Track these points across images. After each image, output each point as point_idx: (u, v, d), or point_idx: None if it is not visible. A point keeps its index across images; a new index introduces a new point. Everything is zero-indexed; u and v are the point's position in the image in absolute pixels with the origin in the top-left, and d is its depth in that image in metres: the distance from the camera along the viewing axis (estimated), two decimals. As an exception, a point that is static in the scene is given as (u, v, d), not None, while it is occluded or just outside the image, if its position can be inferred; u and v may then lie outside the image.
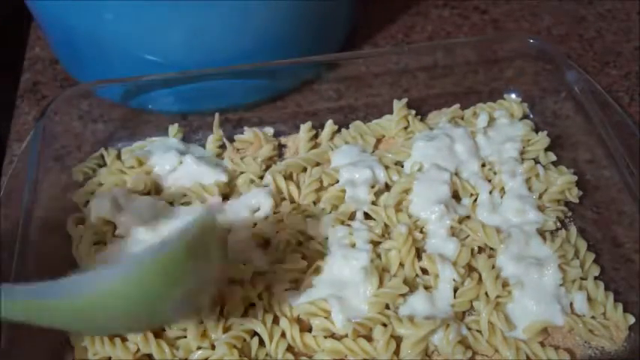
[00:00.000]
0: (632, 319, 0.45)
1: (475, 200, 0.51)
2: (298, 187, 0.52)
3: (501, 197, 0.52)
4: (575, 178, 0.52)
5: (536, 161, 0.54)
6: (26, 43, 0.69)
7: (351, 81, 0.60)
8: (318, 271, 0.47)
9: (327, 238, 0.48)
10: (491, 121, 0.57)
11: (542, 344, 0.44)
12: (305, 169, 0.54)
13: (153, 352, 0.43)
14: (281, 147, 0.58)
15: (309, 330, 0.45)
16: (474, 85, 0.60)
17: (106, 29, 0.52)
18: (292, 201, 0.52)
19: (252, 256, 0.48)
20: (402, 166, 0.54)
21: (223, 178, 0.52)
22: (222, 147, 0.56)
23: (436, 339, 0.44)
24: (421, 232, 0.49)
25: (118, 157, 0.55)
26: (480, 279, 0.47)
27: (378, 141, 0.57)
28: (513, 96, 0.60)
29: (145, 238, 0.47)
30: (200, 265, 0.36)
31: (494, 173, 0.53)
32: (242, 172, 0.54)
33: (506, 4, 0.74)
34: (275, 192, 0.51)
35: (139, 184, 0.51)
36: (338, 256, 0.46)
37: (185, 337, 0.43)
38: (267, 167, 0.54)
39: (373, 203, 0.51)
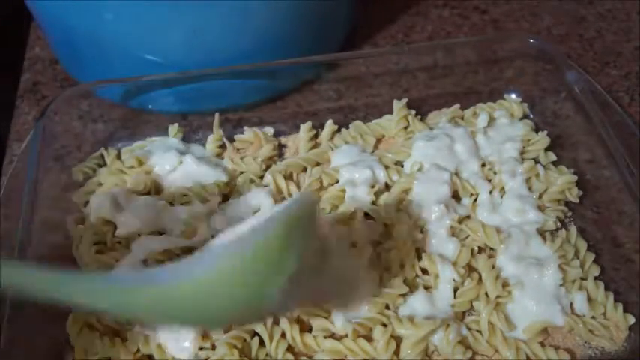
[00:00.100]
0: (632, 319, 0.45)
1: (475, 200, 0.51)
2: (298, 187, 0.52)
3: (501, 197, 0.52)
4: (575, 178, 0.52)
5: (536, 161, 0.54)
6: (26, 43, 0.69)
7: (351, 81, 0.60)
8: (318, 271, 0.47)
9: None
10: (491, 121, 0.57)
11: (542, 344, 0.44)
12: (305, 169, 0.54)
13: (153, 352, 0.43)
14: (281, 147, 0.58)
15: (309, 330, 0.45)
16: (474, 85, 0.60)
17: (106, 29, 0.52)
18: (292, 201, 0.52)
19: (252, 256, 0.48)
20: (402, 166, 0.54)
21: (223, 178, 0.52)
22: (222, 147, 0.56)
23: (436, 339, 0.44)
24: (421, 232, 0.49)
25: (118, 157, 0.55)
26: (480, 279, 0.47)
27: (378, 141, 0.57)
28: (513, 96, 0.60)
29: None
30: (300, 252, 0.33)
31: (494, 173, 0.53)
32: (242, 172, 0.54)
33: (506, 4, 0.74)
34: (275, 192, 0.51)
35: (139, 184, 0.51)
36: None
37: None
38: (267, 167, 0.54)
39: (373, 203, 0.51)
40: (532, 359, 0.43)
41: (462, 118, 0.58)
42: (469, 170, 0.53)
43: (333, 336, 0.44)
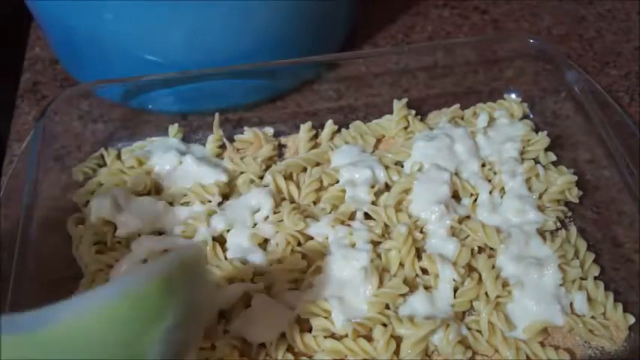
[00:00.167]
0: (632, 319, 0.45)
1: (475, 200, 0.51)
2: (298, 187, 0.52)
3: (501, 197, 0.52)
4: (575, 178, 0.52)
5: (536, 161, 0.54)
6: (26, 43, 0.69)
7: (351, 81, 0.60)
8: (318, 271, 0.47)
9: (327, 238, 0.48)
10: (491, 121, 0.57)
11: (542, 344, 0.44)
12: (305, 169, 0.54)
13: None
14: (281, 147, 0.58)
15: (309, 330, 0.45)
16: (474, 85, 0.60)
17: (106, 29, 0.52)
18: (292, 201, 0.52)
19: (252, 256, 0.48)
20: (402, 166, 0.54)
21: (223, 178, 0.52)
22: (222, 147, 0.56)
23: (436, 339, 0.44)
24: (421, 232, 0.49)
25: (118, 157, 0.55)
26: (480, 279, 0.47)
27: (378, 141, 0.57)
28: (513, 96, 0.60)
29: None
30: (182, 305, 0.32)
31: (495, 173, 0.53)
32: (242, 172, 0.54)
33: (506, 4, 0.74)
34: (275, 192, 0.51)
35: (139, 184, 0.51)
36: (338, 256, 0.46)
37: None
38: (267, 167, 0.54)
39: (373, 203, 0.51)
40: (532, 359, 0.43)
41: (462, 118, 0.58)
42: (469, 170, 0.53)
43: (333, 336, 0.44)
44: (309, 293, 0.45)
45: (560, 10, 0.73)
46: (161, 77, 0.55)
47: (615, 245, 0.50)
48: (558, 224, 0.51)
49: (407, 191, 0.51)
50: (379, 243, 0.48)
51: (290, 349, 0.43)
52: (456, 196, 0.52)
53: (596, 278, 0.47)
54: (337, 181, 0.52)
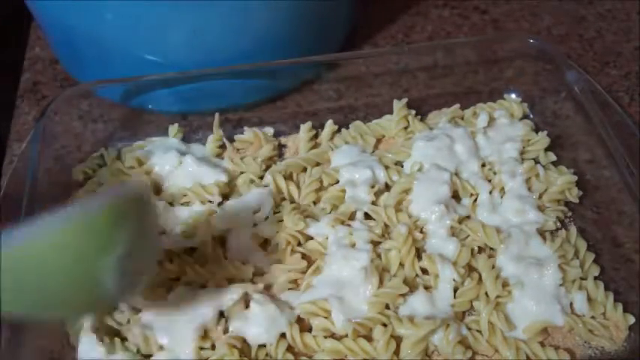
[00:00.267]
0: (632, 319, 0.45)
1: (475, 200, 0.51)
2: (298, 187, 0.52)
3: (501, 197, 0.52)
4: (575, 178, 0.52)
5: (536, 161, 0.54)
6: (26, 43, 0.69)
7: (351, 81, 0.60)
8: (318, 271, 0.47)
9: (327, 238, 0.48)
10: (491, 121, 0.57)
11: (542, 344, 0.44)
12: (305, 169, 0.54)
13: (153, 352, 0.43)
14: (281, 147, 0.58)
15: (309, 330, 0.45)
16: (474, 85, 0.60)
17: (106, 29, 0.52)
18: (292, 201, 0.52)
19: (252, 256, 0.48)
20: (402, 166, 0.54)
21: (223, 178, 0.52)
22: (222, 147, 0.56)
23: (436, 339, 0.44)
24: (421, 232, 0.49)
25: (118, 157, 0.55)
26: (480, 279, 0.47)
27: (378, 141, 0.57)
28: (513, 96, 0.60)
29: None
30: (131, 235, 0.35)
31: (494, 173, 0.53)
32: (242, 172, 0.54)
33: (506, 4, 0.74)
34: (275, 192, 0.51)
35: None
36: (338, 256, 0.46)
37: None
38: (267, 167, 0.54)
39: (373, 203, 0.51)
40: (532, 359, 0.43)
41: (462, 118, 0.58)
42: (469, 170, 0.53)
43: (333, 336, 0.44)
44: (309, 293, 0.45)
45: (560, 10, 0.73)
46: (161, 77, 0.55)
47: (615, 245, 0.50)
48: (558, 224, 0.51)
49: (407, 191, 0.51)
50: (379, 243, 0.48)
51: (290, 349, 0.44)
52: (456, 196, 0.52)
53: (596, 278, 0.47)
54: (337, 181, 0.52)
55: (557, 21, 0.72)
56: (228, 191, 0.53)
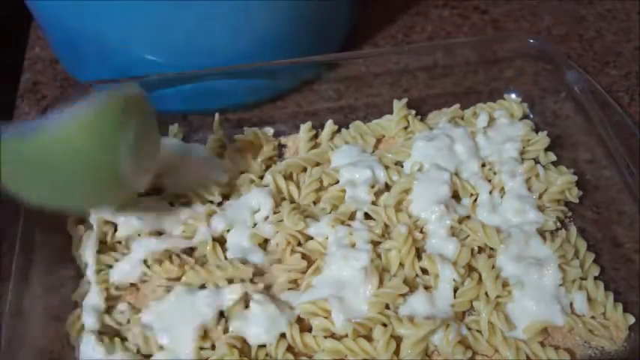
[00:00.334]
0: (632, 319, 0.45)
1: (475, 200, 0.51)
2: (298, 187, 0.52)
3: (501, 197, 0.52)
4: (575, 178, 0.52)
5: (536, 161, 0.54)
6: (26, 43, 0.69)
7: (351, 81, 0.60)
8: (318, 271, 0.47)
9: (327, 238, 0.48)
10: (491, 121, 0.57)
11: (542, 344, 0.44)
12: (305, 169, 0.54)
13: (153, 352, 0.43)
14: (281, 147, 0.58)
15: (309, 330, 0.45)
16: (474, 85, 0.60)
17: (106, 29, 0.52)
18: (292, 201, 0.52)
19: (252, 256, 0.48)
20: (402, 166, 0.54)
21: (223, 178, 0.52)
22: (222, 147, 0.56)
23: (436, 339, 0.44)
24: (421, 232, 0.49)
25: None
26: (480, 279, 0.47)
27: (378, 141, 0.57)
28: (513, 96, 0.60)
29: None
30: (137, 120, 0.41)
31: (494, 173, 0.53)
32: (242, 172, 0.54)
33: (506, 4, 0.74)
34: (275, 192, 0.51)
35: (139, 184, 0.51)
36: (338, 256, 0.46)
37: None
38: (267, 167, 0.54)
39: (373, 203, 0.51)
40: (532, 359, 0.43)
41: (462, 118, 0.58)
42: (469, 170, 0.53)
43: (333, 336, 0.44)
44: (309, 293, 0.45)
45: (560, 10, 0.73)
46: (161, 77, 0.54)
47: (615, 245, 0.50)
48: (558, 224, 0.51)
49: (407, 191, 0.51)
50: (379, 243, 0.48)
51: (290, 349, 0.44)
52: (456, 196, 0.52)
53: (596, 278, 0.47)
54: (337, 181, 0.52)
55: (557, 21, 0.72)
56: (228, 191, 0.53)
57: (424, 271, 0.47)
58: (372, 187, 0.51)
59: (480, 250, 0.49)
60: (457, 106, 0.59)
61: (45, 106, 0.53)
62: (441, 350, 0.44)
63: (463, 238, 0.49)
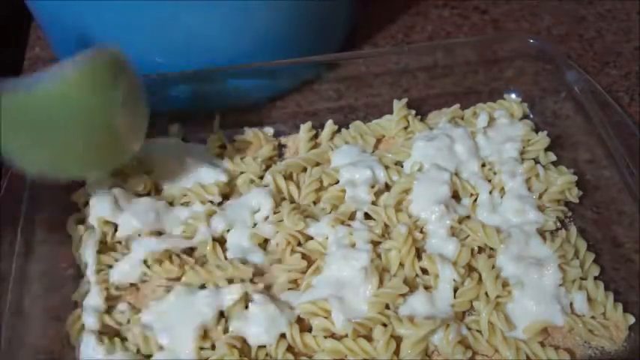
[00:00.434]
0: (632, 319, 0.45)
1: (475, 200, 0.51)
2: (298, 187, 0.52)
3: (501, 197, 0.52)
4: (575, 178, 0.52)
5: (536, 161, 0.54)
6: (26, 43, 0.69)
7: (351, 81, 0.60)
8: (318, 271, 0.47)
9: (327, 238, 0.48)
10: (491, 121, 0.57)
11: (542, 344, 0.44)
12: (305, 169, 0.54)
13: (153, 352, 0.43)
14: (281, 147, 0.58)
15: (309, 330, 0.45)
16: (474, 85, 0.60)
17: (106, 29, 0.52)
18: (292, 201, 0.52)
19: (252, 256, 0.48)
20: (402, 166, 0.54)
21: (223, 178, 0.52)
22: (222, 147, 0.56)
23: (436, 339, 0.44)
24: (421, 232, 0.49)
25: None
26: (480, 279, 0.47)
27: (378, 141, 0.57)
28: (513, 96, 0.60)
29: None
30: (125, 80, 0.42)
31: (494, 173, 0.53)
32: (242, 172, 0.54)
33: (506, 4, 0.74)
34: (275, 192, 0.51)
35: (138, 184, 0.51)
36: (338, 256, 0.46)
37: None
38: (267, 167, 0.54)
39: (373, 203, 0.51)
40: (532, 359, 0.43)
41: (462, 118, 0.58)
42: (469, 170, 0.53)
43: (333, 336, 0.44)
44: (309, 293, 0.45)
45: (560, 10, 0.73)
46: (161, 77, 0.54)
47: (615, 245, 0.50)
48: (558, 224, 0.51)
49: (407, 191, 0.51)
50: (379, 243, 0.48)
51: (290, 349, 0.44)
52: (456, 196, 0.52)
53: (596, 278, 0.47)
54: (337, 181, 0.52)
55: (557, 21, 0.72)
56: (228, 191, 0.53)
57: (424, 271, 0.47)
58: (372, 187, 0.51)
59: (480, 250, 0.49)
60: (457, 106, 0.59)
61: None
62: (441, 350, 0.44)
63: (463, 238, 0.49)
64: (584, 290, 0.46)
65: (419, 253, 0.48)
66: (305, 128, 0.57)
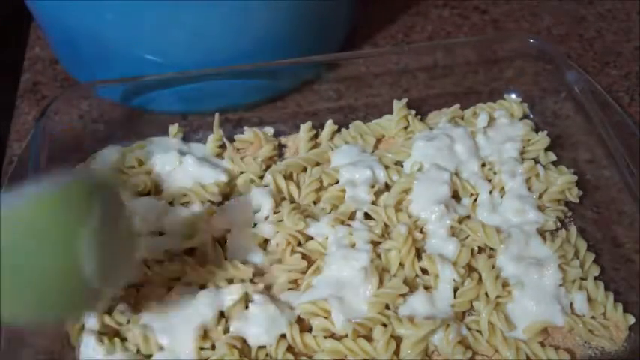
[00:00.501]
0: (632, 319, 0.45)
1: (475, 200, 0.51)
2: (298, 187, 0.52)
3: (501, 197, 0.52)
4: (575, 178, 0.52)
5: (536, 161, 0.54)
6: (26, 43, 0.69)
7: (351, 81, 0.60)
8: (318, 271, 0.47)
9: (327, 238, 0.48)
10: (491, 121, 0.57)
11: (542, 344, 0.44)
12: (305, 169, 0.54)
13: (153, 352, 0.43)
14: (281, 147, 0.58)
15: (309, 330, 0.45)
16: (474, 85, 0.60)
17: (106, 29, 0.52)
18: (292, 201, 0.52)
19: (252, 256, 0.48)
20: (402, 166, 0.54)
21: (223, 178, 0.52)
22: (222, 147, 0.56)
23: (436, 339, 0.44)
24: (421, 232, 0.49)
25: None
26: (480, 279, 0.47)
27: (378, 141, 0.57)
28: (513, 96, 0.60)
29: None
30: (102, 208, 0.35)
31: (494, 173, 0.53)
32: (242, 172, 0.54)
33: (506, 4, 0.74)
34: (275, 192, 0.51)
35: (138, 184, 0.51)
36: (338, 256, 0.46)
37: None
38: (267, 167, 0.54)
39: (373, 203, 0.51)
40: (532, 359, 0.43)
41: (462, 118, 0.58)
42: (469, 170, 0.53)
43: (333, 336, 0.44)
44: (309, 293, 0.45)
45: (560, 10, 0.73)
46: (161, 77, 0.55)
47: (615, 245, 0.50)
48: (558, 224, 0.51)
49: (407, 191, 0.51)
50: (379, 243, 0.48)
51: (290, 349, 0.44)
52: (456, 196, 0.52)
53: (596, 278, 0.47)
54: (337, 181, 0.52)
55: (557, 21, 0.72)
56: (228, 191, 0.53)
57: (424, 271, 0.47)
58: (372, 187, 0.51)
59: (480, 250, 0.49)
60: (457, 106, 0.59)
61: (45, 106, 0.53)
62: (441, 350, 0.44)
63: (463, 238, 0.49)
64: (584, 290, 0.46)
65: (419, 253, 0.48)
66: (305, 128, 0.57)
